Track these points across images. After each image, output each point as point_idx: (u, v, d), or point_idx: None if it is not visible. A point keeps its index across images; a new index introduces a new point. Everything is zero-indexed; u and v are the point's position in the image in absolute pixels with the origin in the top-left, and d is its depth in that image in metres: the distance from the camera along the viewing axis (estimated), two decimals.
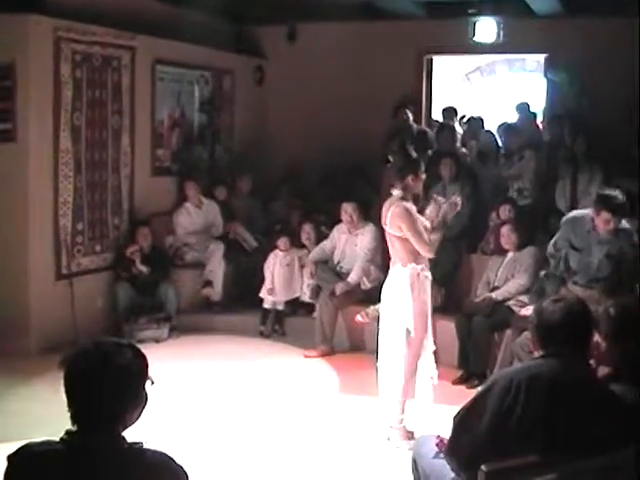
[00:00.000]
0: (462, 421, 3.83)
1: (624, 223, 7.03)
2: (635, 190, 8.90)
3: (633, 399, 3.75)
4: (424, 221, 6.57)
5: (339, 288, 9.27)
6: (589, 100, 10.67)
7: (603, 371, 3.97)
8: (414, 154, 6.76)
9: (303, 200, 11.20)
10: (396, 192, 6.54)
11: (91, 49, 9.38)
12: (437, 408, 6.68)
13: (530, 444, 3.54)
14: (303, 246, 10.08)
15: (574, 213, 7.55)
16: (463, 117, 13.46)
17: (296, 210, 10.96)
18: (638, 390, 3.79)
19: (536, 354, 3.94)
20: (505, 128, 11.04)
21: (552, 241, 7.48)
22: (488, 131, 11.51)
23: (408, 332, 6.50)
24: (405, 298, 6.48)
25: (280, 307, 9.92)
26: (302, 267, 9.89)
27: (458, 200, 6.80)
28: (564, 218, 7.51)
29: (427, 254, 6.54)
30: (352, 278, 9.33)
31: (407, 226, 6.38)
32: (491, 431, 3.64)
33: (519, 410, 3.62)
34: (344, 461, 6.25)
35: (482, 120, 11.84)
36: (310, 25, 11.87)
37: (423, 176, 6.63)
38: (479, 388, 7.26)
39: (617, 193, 6.95)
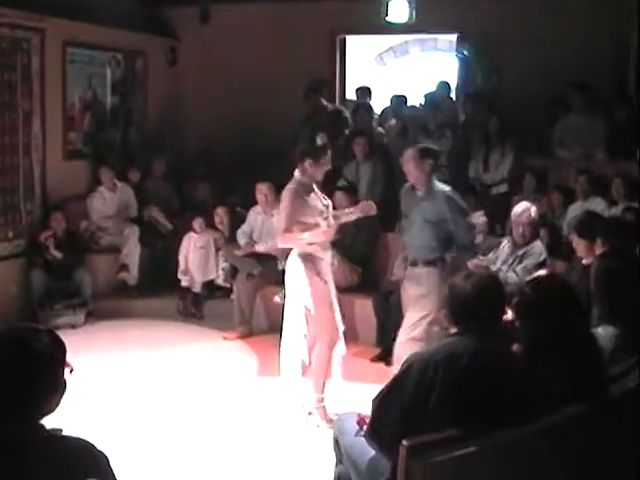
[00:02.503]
0: (381, 403, 3.86)
1: (442, 186, 6.79)
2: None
3: (545, 373, 3.82)
4: (320, 206, 6.60)
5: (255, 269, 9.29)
6: (498, 77, 10.82)
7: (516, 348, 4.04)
8: (320, 141, 6.90)
9: (218, 181, 11.13)
10: (295, 174, 6.58)
11: None
12: (355, 386, 6.73)
13: (450, 421, 3.59)
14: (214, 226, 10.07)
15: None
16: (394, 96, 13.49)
17: (210, 192, 10.91)
18: (549, 365, 3.86)
19: (451, 330, 3.99)
20: (428, 101, 11.13)
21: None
22: (412, 106, 11.59)
23: (308, 310, 6.58)
24: (300, 279, 6.56)
25: (196, 289, 9.89)
26: (217, 250, 9.86)
27: (373, 206, 6.98)
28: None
29: (278, 240, 6.75)
30: (261, 246, 9.37)
31: (282, 205, 6.52)
32: (411, 411, 3.68)
33: (438, 389, 3.67)
34: (265, 443, 6.27)
35: (405, 97, 11.92)
36: (223, 6, 11.79)
37: (325, 165, 6.66)
38: (397, 366, 7.45)
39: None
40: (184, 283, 9.90)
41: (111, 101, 11.40)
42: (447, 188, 6.75)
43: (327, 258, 6.76)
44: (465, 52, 11.52)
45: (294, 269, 6.63)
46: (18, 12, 9.36)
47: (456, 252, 6.68)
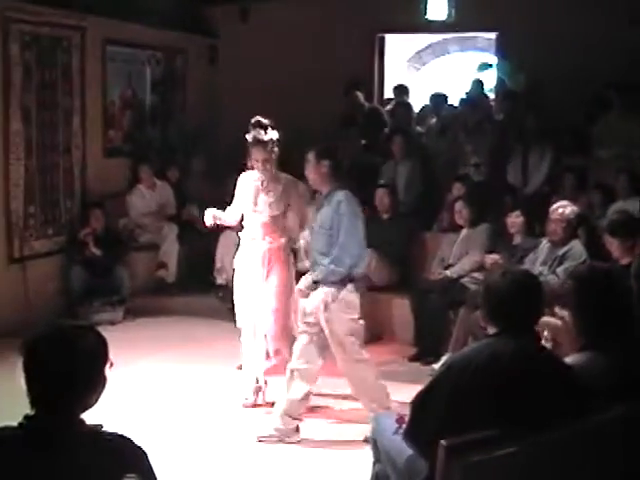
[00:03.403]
0: (420, 404, 3.84)
1: (342, 192, 6.29)
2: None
3: (591, 370, 3.79)
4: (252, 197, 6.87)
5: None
6: (526, 77, 10.75)
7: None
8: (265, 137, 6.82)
9: None
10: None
11: (40, 30, 9.27)
12: (392, 385, 6.72)
13: (489, 422, 3.57)
14: None
15: None
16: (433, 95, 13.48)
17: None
18: (602, 361, 3.83)
19: (488, 329, 3.96)
20: (464, 102, 11.11)
21: None
22: (451, 105, 11.57)
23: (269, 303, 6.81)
24: (259, 272, 6.82)
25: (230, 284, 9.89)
26: None
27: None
28: None
29: None
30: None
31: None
32: (449, 413, 3.66)
33: (477, 390, 3.65)
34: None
35: (445, 96, 11.90)
36: (263, 5, 11.80)
37: (254, 158, 6.84)
38: (434, 365, 7.44)
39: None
40: (220, 281, 9.90)
41: (151, 99, 11.46)
42: (343, 195, 6.15)
43: (255, 250, 6.86)
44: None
45: (256, 260, 6.96)
46: (59, 11, 9.44)
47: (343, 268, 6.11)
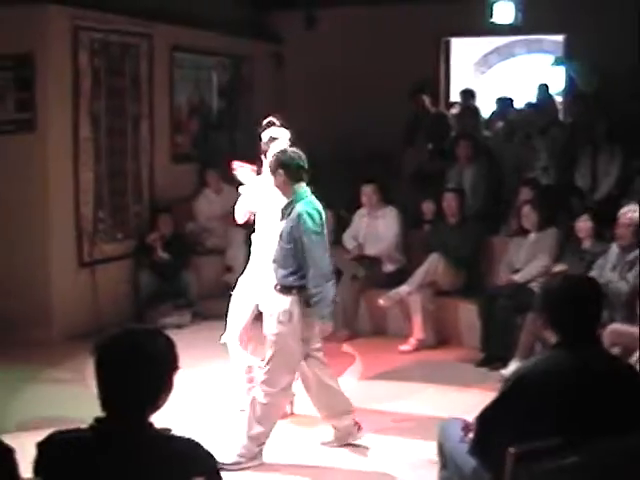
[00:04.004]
0: (486, 419, 3.81)
1: (303, 203, 5.89)
2: None
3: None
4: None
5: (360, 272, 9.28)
6: (599, 79, 10.62)
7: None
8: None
9: (321, 184, 11.09)
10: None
11: (109, 37, 9.40)
12: (459, 391, 6.68)
13: (555, 435, 3.53)
14: None
15: None
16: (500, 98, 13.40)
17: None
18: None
19: (548, 336, 3.90)
20: (530, 105, 11.02)
21: None
22: (518, 109, 11.49)
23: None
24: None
25: None
26: None
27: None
28: None
29: None
30: (372, 249, 9.47)
31: None
32: (516, 428, 3.62)
33: (543, 405, 3.61)
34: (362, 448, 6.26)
35: (511, 100, 11.82)
36: (328, 10, 11.81)
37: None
38: (502, 371, 7.38)
39: None
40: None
41: (218, 105, 11.55)
42: (303, 207, 5.78)
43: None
44: (560, 64, 11.42)
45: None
46: (127, 18, 9.57)
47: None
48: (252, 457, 5.91)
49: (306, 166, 5.89)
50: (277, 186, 5.93)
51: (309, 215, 5.75)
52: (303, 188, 5.87)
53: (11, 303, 8.72)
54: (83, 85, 9.10)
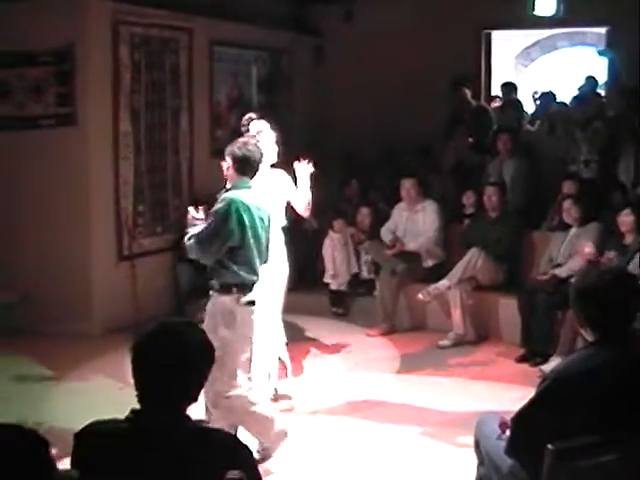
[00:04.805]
0: (522, 420, 3.77)
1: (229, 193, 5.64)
2: None
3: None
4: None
5: (400, 267, 9.24)
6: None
7: None
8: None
9: (361, 178, 11.09)
10: None
11: (149, 31, 9.43)
12: (499, 386, 6.63)
13: (593, 433, 3.49)
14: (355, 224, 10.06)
15: None
16: (535, 93, 13.30)
17: (353, 189, 10.88)
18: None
19: (584, 333, 3.83)
20: (577, 96, 10.91)
21: None
22: (561, 102, 11.38)
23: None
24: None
25: (343, 287, 9.87)
26: (358, 243, 9.82)
27: None
28: None
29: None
30: (412, 244, 9.39)
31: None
32: (552, 428, 3.58)
33: (579, 405, 3.56)
34: (403, 445, 6.24)
35: (553, 94, 11.72)
36: (367, 3, 11.77)
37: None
38: (542, 367, 7.32)
39: None
40: (333, 287, 9.87)
41: (257, 99, 11.54)
42: (229, 194, 5.57)
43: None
44: (606, 55, 11.28)
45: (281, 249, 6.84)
46: (166, 12, 9.58)
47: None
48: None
49: (254, 163, 5.63)
50: (225, 171, 5.75)
51: (228, 201, 5.47)
52: (246, 182, 5.62)
53: (52, 296, 8.80)
54: (123, 79, 9.14)
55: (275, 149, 6.86)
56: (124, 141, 9.22)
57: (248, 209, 5.48)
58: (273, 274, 6.59)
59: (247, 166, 5.61)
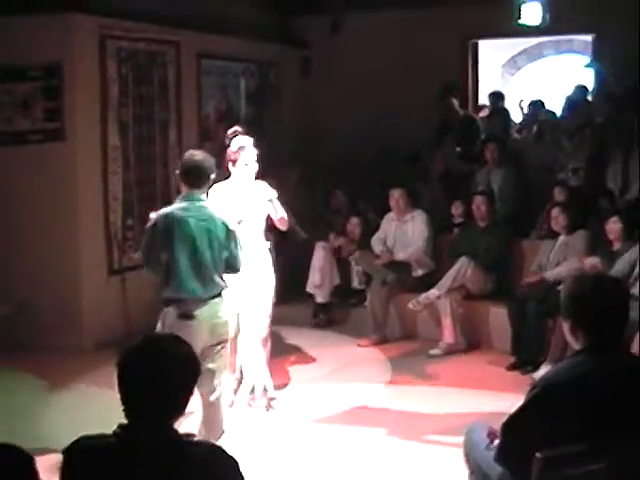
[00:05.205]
0: (511, 427, 3.77)
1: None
2: None
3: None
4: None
5: (390, 277, 9.25)
6: (632, 80, 10.51)
7: None
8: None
9: (350, 189, 11.08)
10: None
11: (136, 46, 9.45)
12: (489, 394, 6.63)
13: (582, 442, 3.50)
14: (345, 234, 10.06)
15: None
16: (521, 102, 13.33)
17: (339, 199, 10.86)
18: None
19: (572, 341, 3.84)
20: (568, 104, 10.93)
21: None
22: (549, 110, 11.41)
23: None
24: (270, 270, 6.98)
25: (327, 299, 9.84)
26: (349, 254, 9.80)
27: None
28: None
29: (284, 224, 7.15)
30: (401, 254, 9.41)
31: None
32: (543, 436, 3.59)
33: (569, 412, 3.57)
34: (397, 454, 6.24)
35: (542, 102, 11.75)
36: (353, 15, 11.77)
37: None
38: (533, 375, 7.33)
39: None
40: (319, 299, 9.82)
41: (245, 111, 11.55)
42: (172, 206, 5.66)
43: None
44: (592, 66, 11.35)
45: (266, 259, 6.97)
46: (153, 26, 9.59)
47: None
48: None
49: (202, 174, 5.60)
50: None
51: (157, 215, 5.55)
52: (193, 194, 5.57)
53: (42, 310, 8.79)
54: (111, 93, 9.15)
55: (255, 166, 6.91)
56: (113, 155, 9.22)
57: (182, 222, 5.45)
58: (255, 284, 6.68)
59: (194, 178, 5.61)
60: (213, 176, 5.76)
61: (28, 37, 8.70)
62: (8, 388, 7.67)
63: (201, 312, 5.46)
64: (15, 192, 8.97)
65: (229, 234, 5.61)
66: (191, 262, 5.46)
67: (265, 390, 7.01)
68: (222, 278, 5.63)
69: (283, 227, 7.12)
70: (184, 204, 5.55)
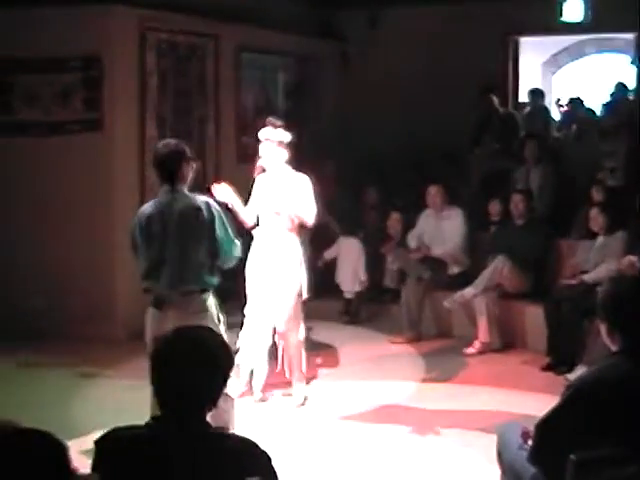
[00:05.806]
0: (545, 428, 3.74)
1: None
2: None
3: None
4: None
5: (426, 274, 9.21)
6: None
7: None
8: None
9: (385, 185, 11.02)
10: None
11: (175, 38, 9.47)
12: (525, 395, 6.57)
13: (616, 445, 3.45)
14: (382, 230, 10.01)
15: None
16: (559, 100, 13.26)
17: (371, 196, 10.80)
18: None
19: (609, 342, 3.79)
20: (606, 105, 10.85)
21: None
22: (588, 109, 11.32)
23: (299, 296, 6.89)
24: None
25: (356, 295, 9.83)
26: (388, 250, 9.74)
27: None
28: None
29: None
30: (438, 250, 9.36)
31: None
32: (576, 437, 3.55)
33: (607, 413, 3.53)
34: (429, 451, 6.21)
35: (581, 100, 11.66)
36: (392, 10, 11.75)
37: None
38: (568, 376, 7.26)
39: None
40: (348, 295, 9.83)
41: (284, 105, 11.54)
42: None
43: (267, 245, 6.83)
44: (636, 64, 11.24)
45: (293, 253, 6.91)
46: (193, 19, 9.61)
47: None
48: None
49: (162, 166, 5.58)
50: None
51: (142, 208, 5.65)
52: (163, 188, 5.59)
53: (76, 300, 8.84)
54: (150, 85, 9.18)
55: (270, 159, 7.02)
56: (150, 147, 9.21)
57: (149, 217, 5.48)
58: (277, 277, 6.69)
59: (159, 171, 5.63)
60: (193, 167, 5.77)
61: (68, 28, 8.75)
62: (42, 377, 7.71)
63: (171, 303, 5.57)
64: (52, 181, 9.02)
65: (208, 225, 5.54)
66: (159, 256, 5.54)
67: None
68: (204, 272, 5.68)
69: (310, 222, 7.07)
70: (157, 198, 5.61)
